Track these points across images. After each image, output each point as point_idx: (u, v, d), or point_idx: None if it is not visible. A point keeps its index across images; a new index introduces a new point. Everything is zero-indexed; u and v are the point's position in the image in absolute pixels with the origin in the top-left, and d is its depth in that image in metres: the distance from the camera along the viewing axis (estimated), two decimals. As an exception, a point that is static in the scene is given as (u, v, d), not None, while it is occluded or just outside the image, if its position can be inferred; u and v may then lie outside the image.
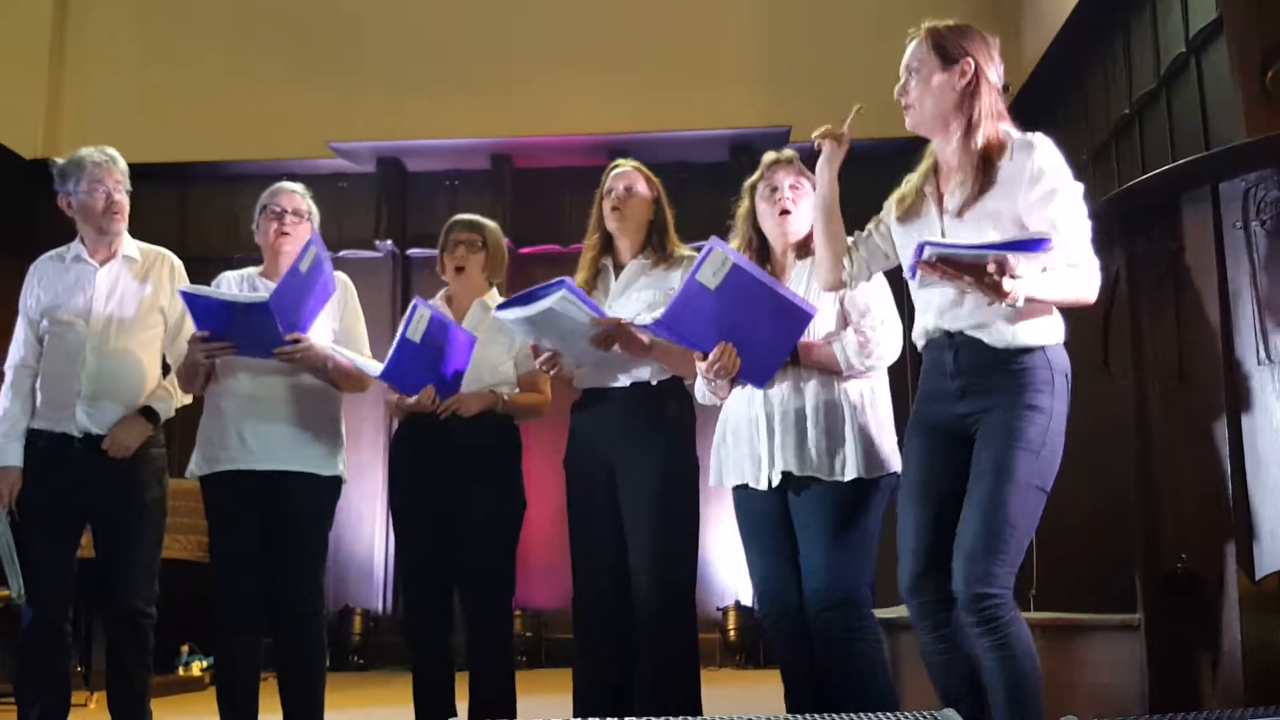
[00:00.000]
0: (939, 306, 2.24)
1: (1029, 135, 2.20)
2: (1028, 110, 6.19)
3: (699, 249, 3.10)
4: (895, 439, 2.64)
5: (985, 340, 2.17)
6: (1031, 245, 2.03)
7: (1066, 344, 2.24)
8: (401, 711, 3.21)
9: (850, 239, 2.44)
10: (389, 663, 6.53)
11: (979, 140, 2.20)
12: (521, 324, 2.74)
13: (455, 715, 3.06)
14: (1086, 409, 2.35)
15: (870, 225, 2.46)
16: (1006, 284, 2.00)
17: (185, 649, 5.63)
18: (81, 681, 4.64)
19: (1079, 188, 2.17)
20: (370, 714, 4.63)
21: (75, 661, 3.73)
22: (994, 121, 2.22)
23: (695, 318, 2.47)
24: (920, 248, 2.07)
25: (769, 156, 2.78)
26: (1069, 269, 2.12)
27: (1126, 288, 2.76)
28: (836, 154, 2.37)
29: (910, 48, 2.30)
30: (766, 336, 2.49)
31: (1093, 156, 5.50)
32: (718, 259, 2.41)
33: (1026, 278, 2.04)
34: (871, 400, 2.63)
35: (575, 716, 2.85)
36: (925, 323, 2.29)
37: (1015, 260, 2.01)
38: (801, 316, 2.47)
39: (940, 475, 2.23)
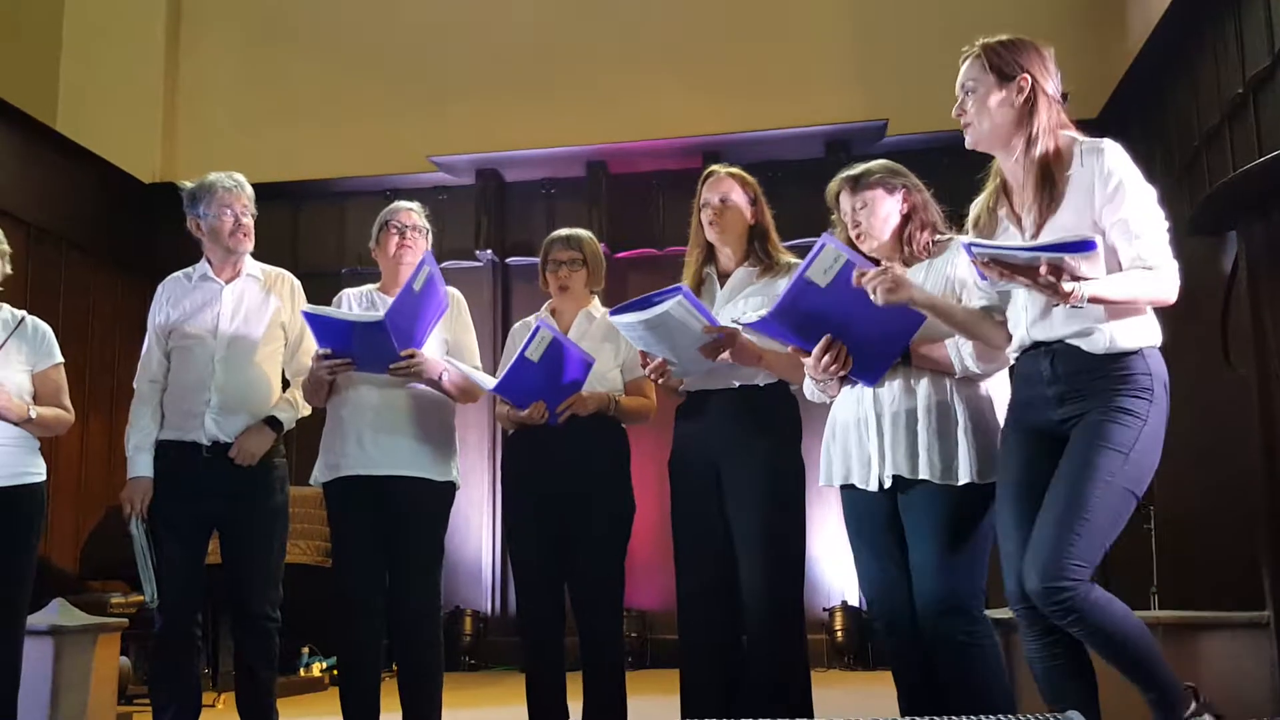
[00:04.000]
0: (1029, 319, 2.23)
1: (1098, 141, 2.19)
2: (1133, 98, 6.02)
3: (794, 248, 3.10)
4: None
5: (1083, 347, 2.15)
6: (1077, 247, 2.01)
7: (1177, 339, 2.19)
8: (514, 711, 3.26)
9: (980, 299, 2.39)
10: (499, 662, 6.66)
11: (1037, 154, 2.21)
12: (635, 329, 2.73)
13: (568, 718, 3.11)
14: (1206, 401, 2.29)
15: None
16: (1066, 285, 2.00)
17: (306, 650, 5.82)
18: (209, 683, 4.84)
19: (1151, 190, 2.16)
20: (484, 714, 4.71)
21: (203, 664, 3.87)
22: (1054, 134, 2.23)
23: (804, 315, 2.42)
24: (969, 249, 2.08)
25: (830, 190, 2.72)
26: (1143, 270, 2.09)
27: (1245, 274, 2.68)
28: (902, 285, 2.28)
29: (964, 66, 2.31)
30: (878, 335, 2.44)
31: (1204, 141, 5.32)
32: (830, 255, 2.34)
33: (1092, 278, 2.03)
34: (984, 403, 2.56)
35: (685, 718, 2.85)
36: (1018, 335, 2.28)
37: (1074, 262, 2.00)
38: (915, 316, 2.41)
39: (1039, 478, 2.20)
